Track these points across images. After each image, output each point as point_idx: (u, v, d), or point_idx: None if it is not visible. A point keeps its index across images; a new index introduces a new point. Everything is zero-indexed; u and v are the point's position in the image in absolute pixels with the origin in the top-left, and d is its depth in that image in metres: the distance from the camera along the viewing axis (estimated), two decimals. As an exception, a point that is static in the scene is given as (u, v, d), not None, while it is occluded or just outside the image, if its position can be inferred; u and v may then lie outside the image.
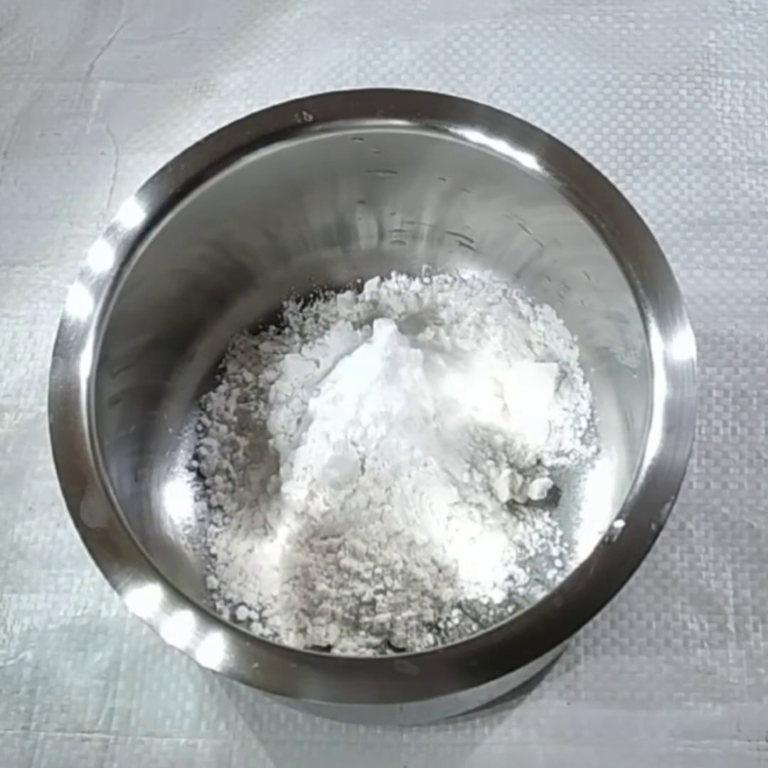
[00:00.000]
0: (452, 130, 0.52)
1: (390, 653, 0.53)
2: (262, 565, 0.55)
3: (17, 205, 0.69)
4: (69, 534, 0.58)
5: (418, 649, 0.52)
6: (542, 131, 0.52)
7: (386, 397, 0.55)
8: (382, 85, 0.70)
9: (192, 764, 0.54)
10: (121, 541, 0.44)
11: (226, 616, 0.54)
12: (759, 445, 0.59)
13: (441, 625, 0.54)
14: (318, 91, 0.67)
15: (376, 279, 0.63)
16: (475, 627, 0.54)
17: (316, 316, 0.62)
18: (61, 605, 0.57)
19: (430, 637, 0.53)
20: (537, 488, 0.56)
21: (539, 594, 0.54)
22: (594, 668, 0.55)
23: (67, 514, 0.45)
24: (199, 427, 0.60)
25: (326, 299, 0.63)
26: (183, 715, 0.55)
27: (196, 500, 0.58)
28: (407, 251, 0.62)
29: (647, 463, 0.45)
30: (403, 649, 0.53)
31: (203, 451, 0.59)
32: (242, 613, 0.54)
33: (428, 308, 0.62)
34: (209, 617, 0.43)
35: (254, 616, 0.54)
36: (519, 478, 0.57)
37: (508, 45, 0.72)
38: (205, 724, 0.55)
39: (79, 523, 0.45)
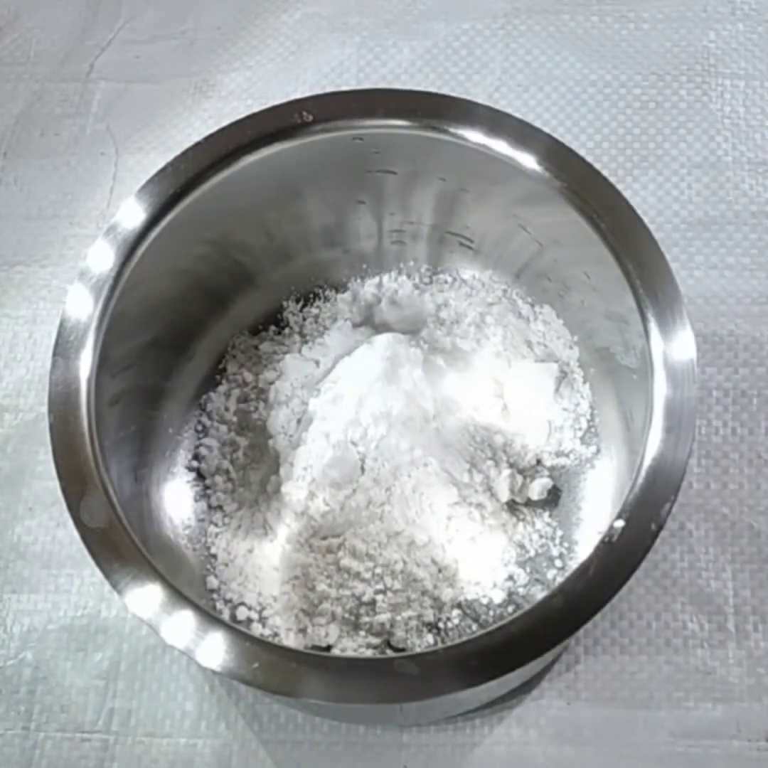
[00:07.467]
0: (452, 130, 0.52)
1: (390, 653, 0.53)
2: (262, 565, 0.55)
3: (17, 205, 0.69)
4: (69, 534, 0.58)
5: (418, 649, 0.52)
6: (542, 131, 0.52)
7: (386, 397, 0.55)
8: (382, 85, 0.70)
9: (192, 764, 0.54)
10: (121, 541, 0.44)
11: (226, 616, 0.54)
12: (759, 445, 0.59)
13: (441, 625, 0.54)
14: (318, 91, 0.67)
15: (376, 279, 0.63)
16: (475, 627, 0.54)
17: (316, 316, 0.62)
18: (61, 605, 0.57)
19: (430, 637, 0.53)
20: (537, 488, 0.56)
21: (539, 594, 0.54)
22: (594, 668, 0.55)
23: (67, 514, 0.45)
24: (199, 427, 0.60)
25: (326, 299, 0.63)
26: (183, 715, 0.55)
27: (196, 500, 0.58)
28: (407, 251, 0.62)
29: (647, 463, 0.45)
30: (403, 649, 0.53)
31: (203, 451, 0.59)
32: (242, 613, 0.54)
33: (428, 308, 0.62)
34: (209, 617, 0.43)
35: (254, 616, 0.54)
36: (519, 478, 0.57)
37: (508, 45, 0.72)
38: (205, 724, 0.55)
39: (79, 523, 0.45)
